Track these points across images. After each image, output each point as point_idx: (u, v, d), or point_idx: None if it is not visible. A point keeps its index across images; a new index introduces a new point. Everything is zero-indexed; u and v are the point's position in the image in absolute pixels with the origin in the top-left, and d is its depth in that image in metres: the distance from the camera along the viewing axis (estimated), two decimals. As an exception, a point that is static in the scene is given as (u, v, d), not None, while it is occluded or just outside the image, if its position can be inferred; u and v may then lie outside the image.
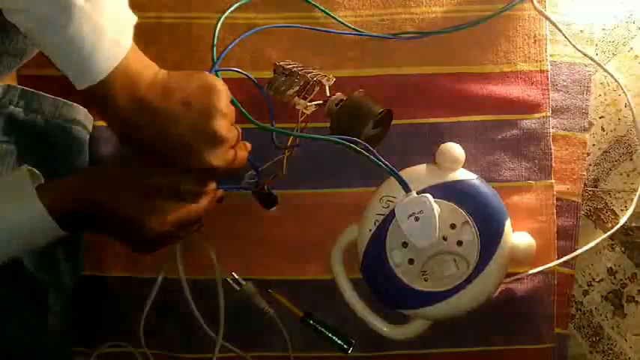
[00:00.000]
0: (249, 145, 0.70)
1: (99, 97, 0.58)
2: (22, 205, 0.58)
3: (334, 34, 0.74)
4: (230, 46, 0.71)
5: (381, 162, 0.67)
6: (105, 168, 0.65)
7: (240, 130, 0.67)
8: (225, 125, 0.62)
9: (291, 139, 0.71)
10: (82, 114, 0.70)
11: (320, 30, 0.74)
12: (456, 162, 0.68)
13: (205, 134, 0.60)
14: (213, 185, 0.65)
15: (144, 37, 0.61)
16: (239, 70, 0.72)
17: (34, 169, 0.62)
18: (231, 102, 0.65)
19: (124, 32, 0.58)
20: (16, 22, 0.55)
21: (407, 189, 0.67)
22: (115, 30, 0.57)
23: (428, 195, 0.66)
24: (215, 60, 0.71)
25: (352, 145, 0.67)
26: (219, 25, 0.73)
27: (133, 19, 0.60)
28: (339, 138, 0.68)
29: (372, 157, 0.67)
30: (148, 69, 0.60)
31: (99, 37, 0.56)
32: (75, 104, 0.70)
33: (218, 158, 0.62)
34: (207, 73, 0.65)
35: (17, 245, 0.60)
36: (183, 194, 0.64)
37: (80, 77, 0.57)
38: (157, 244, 0.65)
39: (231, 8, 0.74)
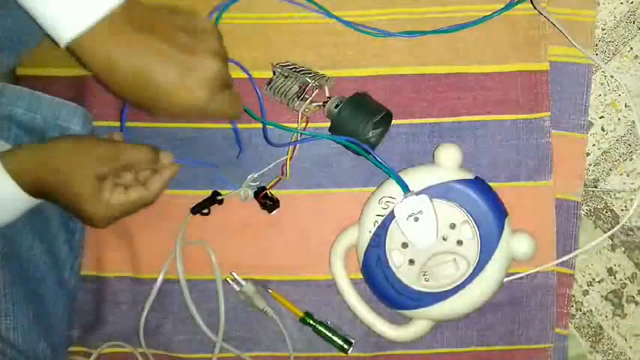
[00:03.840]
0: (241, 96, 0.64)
1: (83, 49, 0.53)
2: None
3: (334, 33, 0.74)
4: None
5: (380, 163, 0.67)
6: (66, 139, 0.65)
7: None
8: (218, 64, 0.57)
9: (293, 139, 0.71)
10: (81, 114, 0.70)
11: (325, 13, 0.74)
12: (455, 162, 0.68)
13: (197, 67, 0.55)
14: (169, 158, 0.66)
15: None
16: (238, 62, 0.72)
17: None
18: None
19: None
20: None
21: (406, 190, 0.67)
22: None
23: (427, 195, 0.66)
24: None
25: (353, 145, 0.67)
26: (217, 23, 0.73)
27: None
28: (339, 138, 0.68)
29: (371, 157, 0.68)
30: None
31: None
32: (74, 104, 0.69)
33: (211, 97, 0.57)
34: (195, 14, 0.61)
35: None
36: (135, 167, 0.65)
37: (61, 32, 0.52)
38: (106, 223, 0.65)
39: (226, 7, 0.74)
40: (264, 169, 0.72)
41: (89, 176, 0.61)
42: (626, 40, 0.76)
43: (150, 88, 0.55)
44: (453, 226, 0.67)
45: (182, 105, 0.56)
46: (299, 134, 0.71)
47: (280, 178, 0.71)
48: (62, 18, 0.51)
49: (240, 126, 0.73)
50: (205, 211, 0.72)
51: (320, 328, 0.71)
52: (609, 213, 0.74)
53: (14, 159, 0.60)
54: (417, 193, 0.67)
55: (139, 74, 0.54)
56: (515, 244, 0.67)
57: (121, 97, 0.57)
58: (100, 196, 0.62)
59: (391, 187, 0.68)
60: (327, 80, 0.71)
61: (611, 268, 0.74)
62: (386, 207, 0.68)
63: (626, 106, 0.75)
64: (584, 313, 0.74)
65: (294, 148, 0.71)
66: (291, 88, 0.70)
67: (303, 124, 0.71)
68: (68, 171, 0.61)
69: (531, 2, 0.73)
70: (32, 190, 0.60)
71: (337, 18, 0.74)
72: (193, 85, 0.55)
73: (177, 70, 0.54)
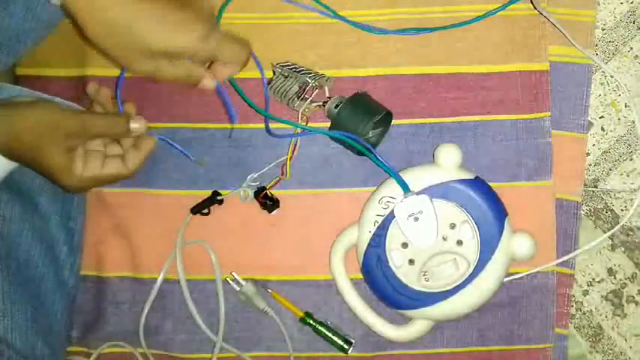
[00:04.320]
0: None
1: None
2: None
3: (334, 33, 0.74)
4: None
5: (381, 162, 0.67)
6: (34, 110, 0.62)
7: None
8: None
9: (293, 136, 0.70)
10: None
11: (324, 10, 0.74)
12: (455, 162, 0.68)
13: (192, 2, 0.54)
14: (140, 128, 0.64)
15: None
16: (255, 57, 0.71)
17: None
18: (233, 86, 0.65)
19: None
20: None
21: (406, 189, 0.67)
22: None
23: (427, 195, 0.66)
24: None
25: (354, 141, 0.67)
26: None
27: None
28: (341, 134, 0.68)
29: (372, 157, 0.68)
30: None
31: None
32: (74, 104, 0.69)
33: (210, 31, 0.54)
34: None
35: None
36: (106, 137, 0.64)
37: None
38: (82, 191, 0.67)
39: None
40: (264, 169, 0.72)
41: (58, 150, 0.60)
42: (626, 40, 0.76)
43: (144, 25, 0.53)
44: (453, 226, 0.67)
45: (178, 41, 0.54)
46: (304, 125, 0.70)
47: (280, 178, 0.71)
48: None
49: (239, 126, 0.73)
50: (205, 211, 0.72)
51: (320, 328, 0.71)
52: (609, 213, 0.74)
53: None
54: (417, 193, 0.67)
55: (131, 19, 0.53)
56: (515, 244, 0.67)
57: (104, 50, 0.55)
58: (72, 168, 0.61)
59: (391, 187, 0.68)
60: (327, 80, 0.71)
61: (611, 268, 0.74)
62: (386, 207, 0.68)
63: (626, 106, 0.75)
64: (584, 313, 0.74)
65: (294, 147, 0.71)
66: (291, 88, 0.70)
67: (303, 124, 0.71)
68: (37, 145, 0.60)
69: (531, 2, 0.73)
70: (7, 155, 0.60)
71: (342, 18, 0.74)
72: (189, 17, 0.54)
73: (173, 3, 0.53)
